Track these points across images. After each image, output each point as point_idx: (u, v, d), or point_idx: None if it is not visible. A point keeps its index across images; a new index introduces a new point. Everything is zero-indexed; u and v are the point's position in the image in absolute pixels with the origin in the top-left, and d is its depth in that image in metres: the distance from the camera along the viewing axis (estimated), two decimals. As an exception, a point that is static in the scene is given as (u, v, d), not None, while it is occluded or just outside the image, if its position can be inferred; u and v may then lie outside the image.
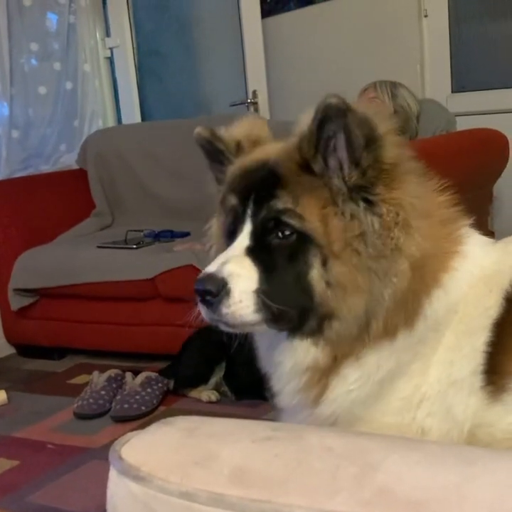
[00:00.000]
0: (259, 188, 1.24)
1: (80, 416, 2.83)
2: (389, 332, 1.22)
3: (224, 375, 2.93)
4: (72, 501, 2.16)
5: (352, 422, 1.28)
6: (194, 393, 2.94)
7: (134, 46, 4.89)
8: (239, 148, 1.38)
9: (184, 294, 3.04)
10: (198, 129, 1.40)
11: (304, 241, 1.20)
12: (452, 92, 4.11)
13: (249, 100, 4.39)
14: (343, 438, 0.70)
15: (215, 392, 2.92)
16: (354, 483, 0.61)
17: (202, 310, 1.22)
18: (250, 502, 0.61)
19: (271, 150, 1.32)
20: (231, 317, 1.19)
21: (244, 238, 1.24)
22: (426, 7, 4.06)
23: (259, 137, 1.40)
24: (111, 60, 4.95)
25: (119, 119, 5.04)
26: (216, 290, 1.17)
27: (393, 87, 3.14)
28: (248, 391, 2.84)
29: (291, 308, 1.21)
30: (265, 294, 1.18)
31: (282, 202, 1.21)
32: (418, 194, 1.23)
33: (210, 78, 4.89)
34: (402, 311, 1.21)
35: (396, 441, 0.70)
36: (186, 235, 3.68)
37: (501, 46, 4.00)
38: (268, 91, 4.37)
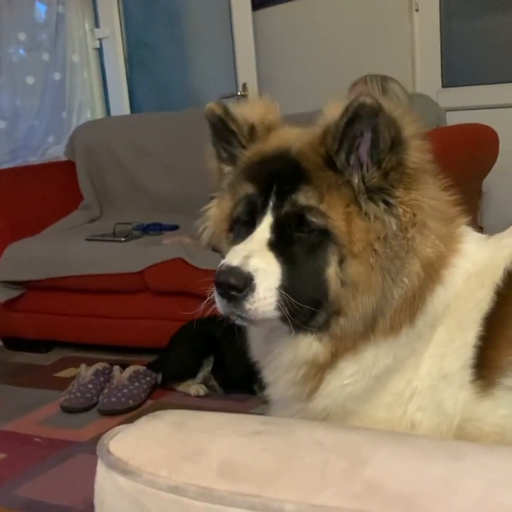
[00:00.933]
0: (282, 179, 1.22)
1: (68, 409, 2.82)
2: (394, 329, 1.22)
3: (212, 369, 2.93)
4: (59, 495, 2.15)
5: (344, 416, 1.28)
6: (182, 387, 2.93)
7: (124, 37, 4.86)
8: (252, 132, 1.34)
9: (173, 287, 3.04)
10: (211, 105, 1.35)
11: (324, 238, 1.19)
12: (442, 86, 4.11)
13: (239, 93, 4.37)
14: (333, 432, 0.69)
15: (203, 386, 2.91)
16: (343, 478, 0.61)
17: (219, 303, 1.20)
18: (239, 496, 0.61)
19: (288, 137, 1.30)
20: (253, 313, 1.16)
21: (264, 231, 1.21)
22: (417, 1, 4.06)
23: (273, 122, 1.37)
24: (100, 51, 4.91)
25: (107, 111, 5.01)
26: (242, 285, 1.14)
27: (384, 81, 3.13)
28: (236, 385, 2.84)
29: (308, 305, 1.20)
30: (287, 290, 1.17)
31: (306, 198, 1.20)
32: (436, 195, 1.24)
33: (200, 70, 4.87)
34: (409, 309, 1.22)
35: (386, 436, 0.70)
36: (175, 228, 3.66)
37: (492, 41, 4.01)
38: (258, 84, 4.35)
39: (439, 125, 3.49)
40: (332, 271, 1.19)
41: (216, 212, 1.40)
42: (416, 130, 1.21)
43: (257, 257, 1.17)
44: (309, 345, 1.25)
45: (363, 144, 1.18)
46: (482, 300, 1.23)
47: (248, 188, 1.26)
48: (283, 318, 1.18)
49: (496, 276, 1.23)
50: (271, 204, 1.22)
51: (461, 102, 3.92)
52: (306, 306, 1.19)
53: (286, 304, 1.16)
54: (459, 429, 1.20)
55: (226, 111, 1.35)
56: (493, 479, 0.59)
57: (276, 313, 1.18)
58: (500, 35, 3.97)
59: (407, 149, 1.19)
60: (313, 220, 1.19)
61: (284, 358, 1.29)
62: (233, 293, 1.15)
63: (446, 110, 3.75)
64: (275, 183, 1.22)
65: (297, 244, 1.20)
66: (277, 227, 1.21)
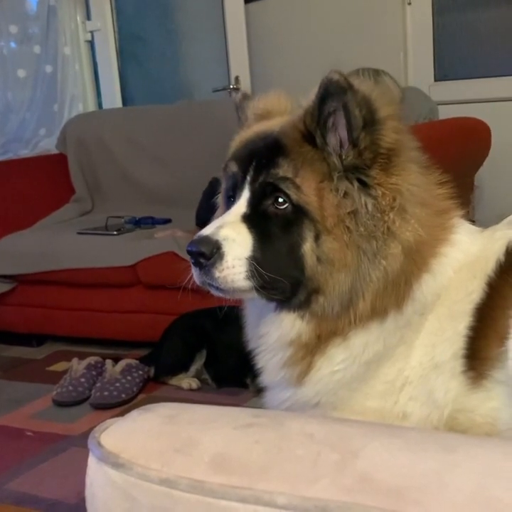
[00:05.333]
0: (261, 155, 1.25)
1: (59, 403, 2.81)
2: (378, 313, 1.23)
3: (205, 362, 2.93)
4: (50, 489, 2.15)
5: (335, 404, 1.29)
6: (175, 381, 2.93)
7: (115, 30, 4.84)
8: (245, 120, 1.42)
9: (165, 281, 3.04)
10: (239, 93, 1.46)
11: (299, 213, 1.21)
12: (435, 80, 4.12)
13: (231, 86, 4.36)
14: (325, 425, 0.69)
15: (195, 379, 2.91)
16: (335, 470, 0.61)
17: (194, 272, 1.24)
18: (231, 489, 0.61)
19: (276, 123, 1.33)
20: (222, 281, 1.20)
21: (241, 205, 1.25)
22: (409, -5, 4.06)
23: (268, 112, 1.41)
24: (91, 44, 4.89)
25: (99, 104, 4.99)
26: (209, 252, 1.18)
27: (376, 74, 3.13)
28: (229, 378, 2.85)
29: (283, 278, 1.22)
30: (258, 261, 1.20)
31: (282, 170, 1.22)
32: (417, 183, 1.24)
33: (193, 63, 4.85)
34: (393, 293, 1.22)
35: (377, 428, 0.70)
36: (167, 221, 3.66)
37: (484, 35, 4.01)
38: (251, 77, 4.34)
39: (432, 119, 3.49)
40: (308, 247, 1.21)
41: (221, 198, 1.44)
42: (392, 111, 1.22)
43: (227, 228, 1.21)
44: (292, 324, 1.27)
45: (340, 123, 1.20)
46: (474, 291, 1.23)
47: (232, 167, 1.31)
48: (257, 290, 1.22)
49: (488, 267, 1.24)
50: (248, 178, 1.26)
51: (453, 96, 3.93)
52: (282, 279, 1.21)
53: (258, 274, 1.19)
54: (451, 420, 1.21)
55: (242, 99, 1.44)
56: (486, 472, 0.59)
57: (246, 283, 1.21)
58: (492, 28, 3.98)
59: (381, 129, 1.20)
60: (287, 191, 1.21)
61: (270, 337, 1.31)
62: (202, 260, 1.20)
63: (439, 104, 3.75)
64: (255, 159, 1.26)
65: (272, 218, 1.23)
66: (253, 201, 1.25)
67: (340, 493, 0.58)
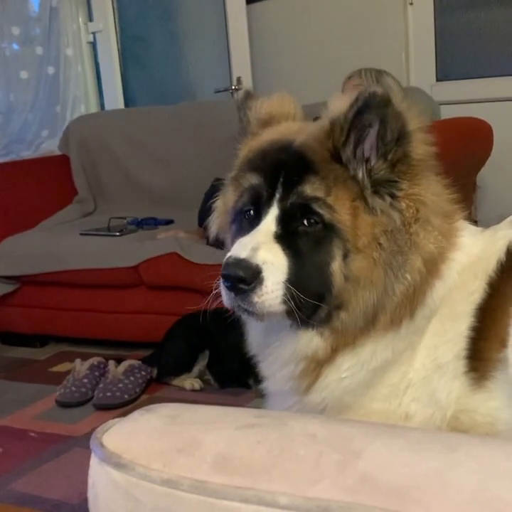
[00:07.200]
0: (289, 170, 1.21)
1: (62, 404, 2.82)
2: (395, 324, 1.22)
3: (207, 363, 2.93)
4: (53, 489, 2.15)
5: (340, 409, 1.28)
6: (177, 381, 2.93)
7: (117, 31, 4.84)
8: (247, 127, 1.37)
9: (168, 281, 3.04)
10: (241, 91, 1.42)
11: (328, 232, 1.18)
12: (437, 80, 4.11)
13: (233, 87, 4.36)
14: (327, 425, 0.69)
15: (198, 380, 2.91)
16: (337, 470, 0.61)
17: (226, 296, 1.18)
18: (233, 489, 0.61)
19: (288, 131, 1.30)
20: (260, 306, 1.15)
21: (270, 223, 1.20)
22: (411, -5, 4.06)
23: (272, 118, 1.37)
24: (94, 45, 4.90)
25: (101, 105, 5.00)
26: (250, 278, 1.13)
27: (378, 74, 3.13)
28: (231, 379, 2.85)
29: (312, 298, 1.19)
30: (293, 284, 1.16)
31: (313, 189, 1.19)
32: (438, 191, 1.24)
33: (195, 64, 4.85)
34: (409, 304, 1.22)
35: (379, 429, 0.70)
36: (170, 222, 3.66)
37: (486, 35, 4.00)
38: (252, 78, 4.35)
39: (434, 119, 3.49)
40: (336, 265, 1.19)
41: (221, 204, 1.39)
42: (420, 123, 1.22)
43: (264, 250, 1.15)
44: (310, 340, 1.25)
45: (369, 138, 1.18)
46: (475, 291, 1.23)
47: (252, 179, 1.25)
48: (288, 312, 1.18)
49: (489, 267, 1.24)
50: (277, 196, 1.21)
51: (455, 96, 3.92)
52: (310, 299, 1.18)
53: (292, 297, 1.15)
54: (453, 420, 1.21)
55: (245, 98, 1.39)
56: (488, 471, 0.59)
57: (281, 307, 1.17)
58: (494, 28, 3.97)
59: (412, 141, 1.19)
60: (320, 211, 1.18)
61: (283, 351, 1.28)
62: (241, 286, 1.13)
63: (441, 104, 3.75)
64: (282, 174, 1.21)
65: (303, 237, 1.19)
66: (283, 219, 1.20)
67: (342, 493, 0.58)
